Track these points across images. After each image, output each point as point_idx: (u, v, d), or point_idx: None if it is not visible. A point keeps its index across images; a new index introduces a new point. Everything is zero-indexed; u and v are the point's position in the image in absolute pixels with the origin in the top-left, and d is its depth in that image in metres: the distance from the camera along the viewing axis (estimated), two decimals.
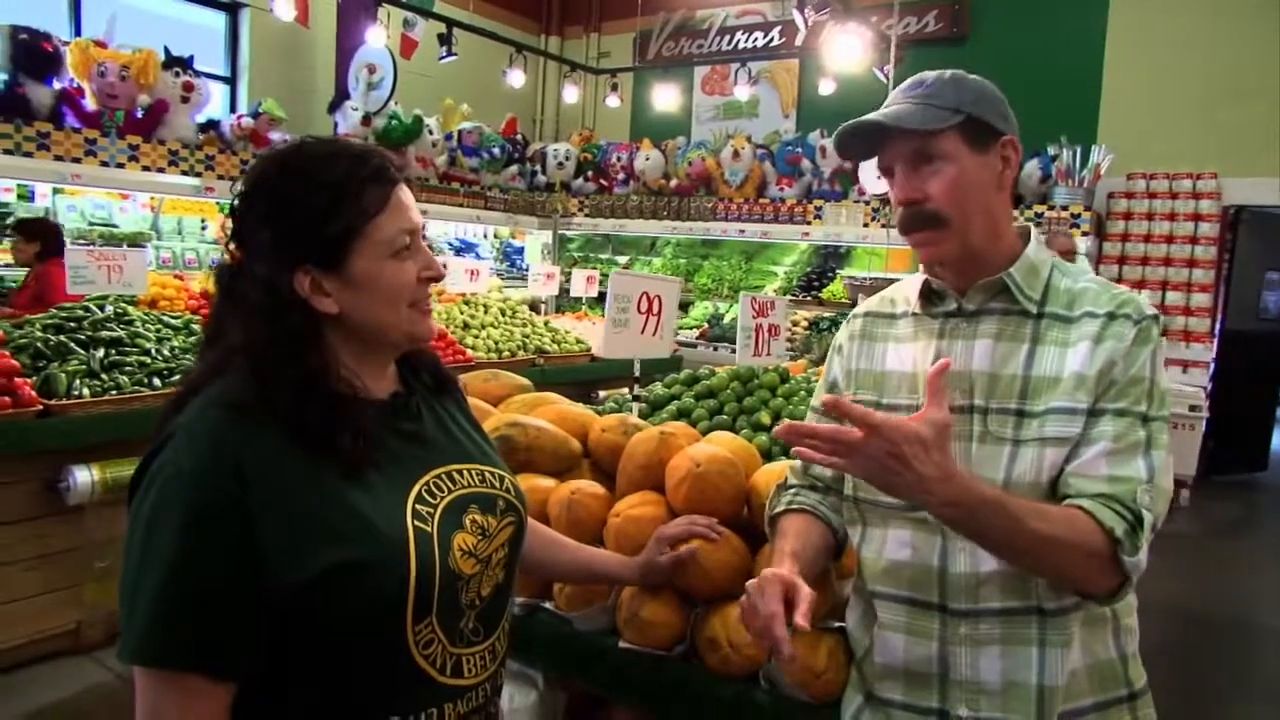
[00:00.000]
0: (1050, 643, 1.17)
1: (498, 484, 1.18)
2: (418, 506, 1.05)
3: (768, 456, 2.07)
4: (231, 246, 1.07)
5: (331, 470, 1.00)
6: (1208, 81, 6.45)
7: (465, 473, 1.15)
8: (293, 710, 0.99)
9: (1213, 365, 6.12)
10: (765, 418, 2.29)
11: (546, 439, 1.90)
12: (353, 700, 1.00)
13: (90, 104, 5.21)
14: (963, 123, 1.21)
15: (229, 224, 1.07)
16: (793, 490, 1.45)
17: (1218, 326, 6.22)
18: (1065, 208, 5.82)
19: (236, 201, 1.06)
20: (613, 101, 8.33)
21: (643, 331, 2.22)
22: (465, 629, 1.09)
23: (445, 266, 5.53)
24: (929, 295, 1.32)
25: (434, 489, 1.09)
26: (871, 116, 1.24)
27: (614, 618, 1.62)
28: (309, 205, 1.02)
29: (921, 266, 1.34)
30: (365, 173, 1.05)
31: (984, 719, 1.19)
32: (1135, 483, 1.11)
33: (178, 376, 3.46)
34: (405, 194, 1.09)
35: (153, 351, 3.51)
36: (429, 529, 1.04)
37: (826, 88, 7.01)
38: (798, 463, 1.47)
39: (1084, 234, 5.75)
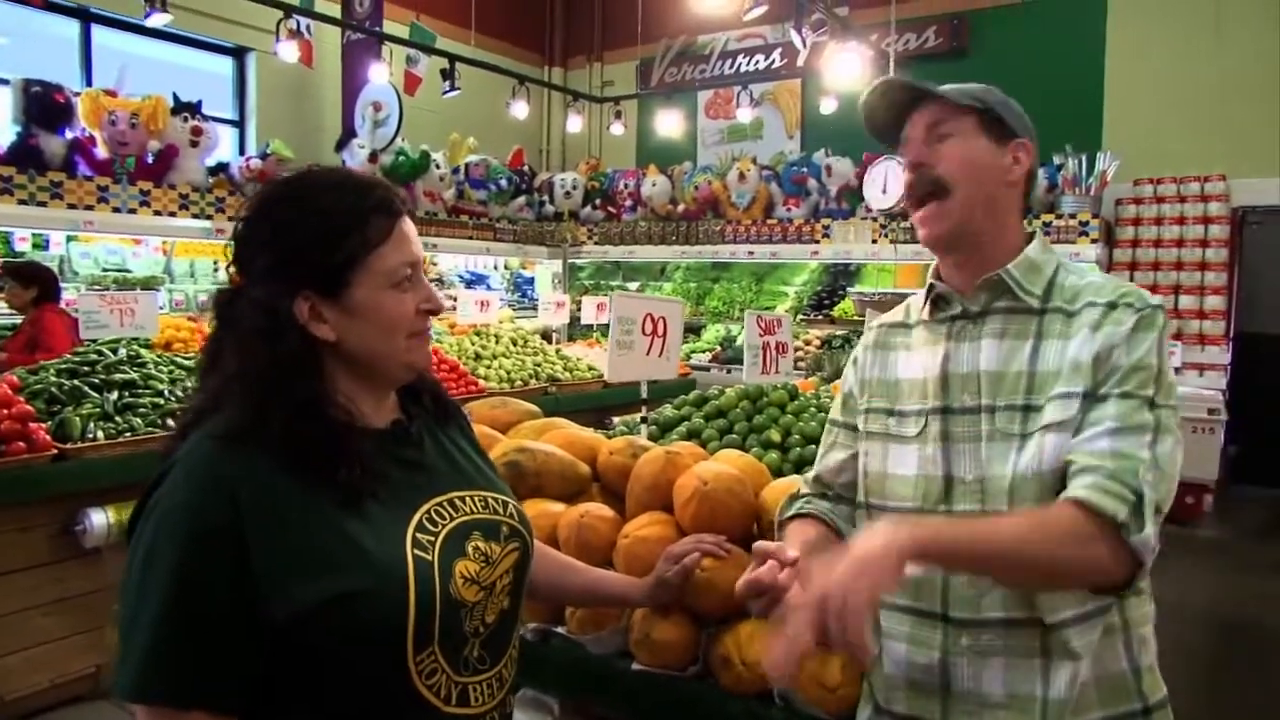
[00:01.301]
0: (1055, 654, 1.14)
1: (501, 510, 1.18)
2: (418, 535, 1.04)
3: (778, 474, 2.06)
4: (231, 271, 1.07)
5: (329, 500, 0.99)
6: (1209, 84, 6.43)
7: (468, 499, 1.14)
8: None
9: (1229, 369, 6.05)
10: (775, 435, 2.28)
11: (555, 463, 1.90)
12: None
13: (102, 152, 5.30)
14: (982, 111, 1.26)
15: (230, 249, 1.08)
16: (804, 498, 1.45)
17: (1231, 329, 6.16)
18: (1074, 216, 5.80)
19: (239, 226, 1.07)
20: (617, 129, 8.39)
21: (648, 353, 2.21)
22: (470, 657, 1.07)
23: (455, 300, 5.59)
24: (935, 301, 1.33)
25: (435, 517, 1.08)
26: (898, 78, 1.30)
27: (627, 640, 1.61)
28: (312, 232, 1.03)
29: (928, 274, 1.35)
30: (370, 203, 1.06)
31: None
32: (1138, 460, 1.09)
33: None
34: (408, 226, 1.10)
35: (166, 393, 3.55)
36: (429, 557, 1.03)
37: (829, 106, 7.04)
38: (812, 474, 1.47)
39: (1093, 241, 5.72)
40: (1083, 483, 1.08)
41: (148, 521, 0.96)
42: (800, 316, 7.19)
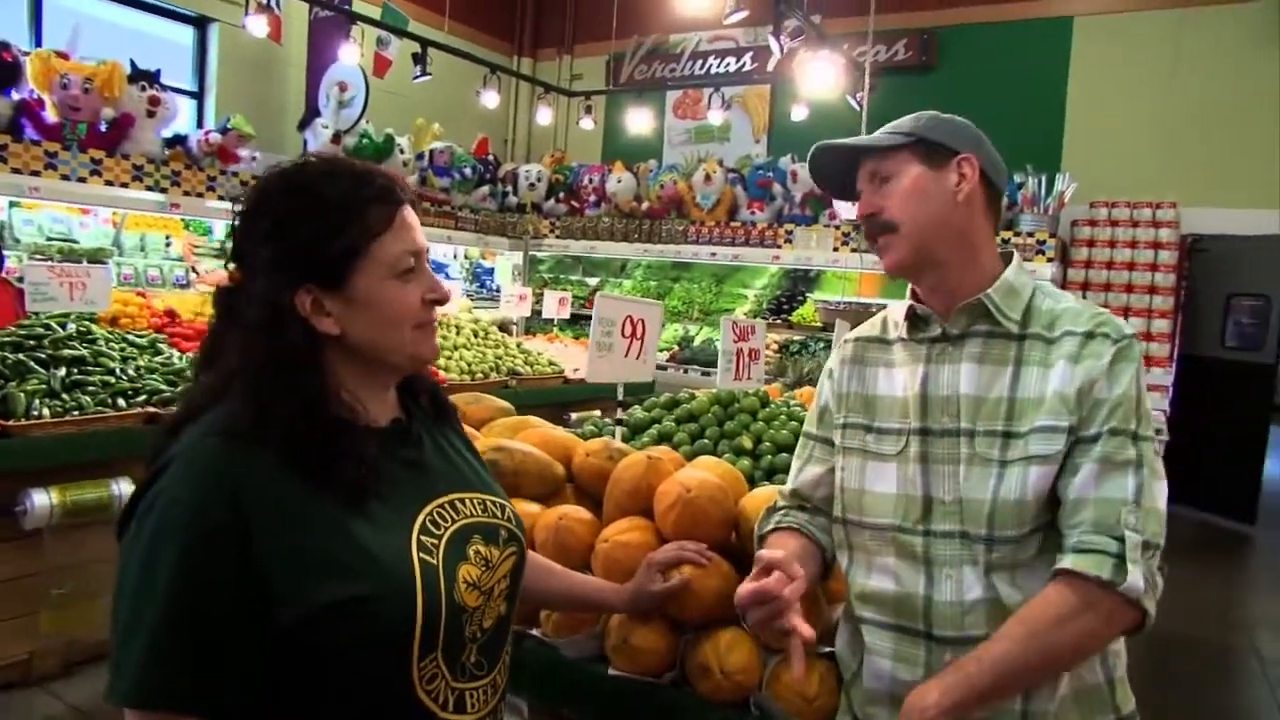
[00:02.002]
0: None
1: (499, 513, 1.17)
2: (422, 538, 1.03)
3: (750, 482, 2.06)
4: (231, 266, 1.06)
5: (333, 500, 0.97)
6: (1166, 114, 6.63)
7: (468, 502, 1.13)
8: None
9: (1171, 390, 6.24)
10: (747, 442, 2.28)
11: (532, 464, 1.87)
12: None
13: (51, 116, 5.09)
14: (914, 143, 1.29)
15: (229, 244, 1.06)
16: (782, 510, 1.46)
17: (1175, 351, 6.36)
18: (1031, 234, 5.93)
19: (237, 220, 1.05)
20: (587, 124, 8.34)
21: (626, 355, 2.20)
22: (468, 662, 1.07)
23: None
24: (914, 321, 1.34)
25: (438, 519, 1.07)
26: (836, 141, 1.35)
27: (603, 644, 1.60)
28: (311, 223, 1.01)
29: (907, 294, 1.37)
30: (370, 192, 1.04)
31: None
32: (1119, 504, 1.12)
33: (143, 397, 3.38)
34: (410, 215, 1.08)
35: (117, 371, 3.42)
36: (434, 561, 1.02)
37: (799, 114, 7.08)
38: (787, 486, 1.47)
39: (1049, 260, 5.86)
40: (1069, 544, 1.14)
41: (146, 520, 0.92)
42: (762, 320, 7.23)
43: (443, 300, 1.10)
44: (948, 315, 1.28)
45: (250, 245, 1.04)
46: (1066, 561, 1.12)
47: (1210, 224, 6.46)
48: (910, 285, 1.36)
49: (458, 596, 1.03)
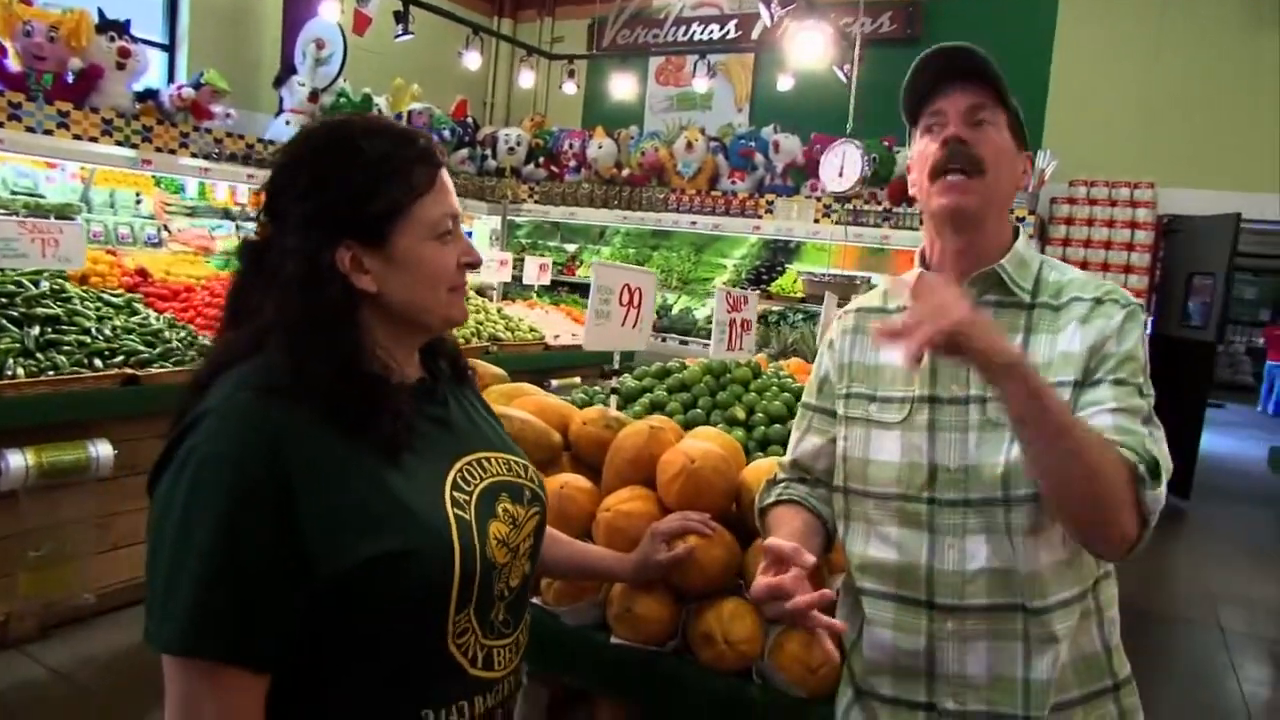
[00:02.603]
0: (1036, 639, 1.19)
1: (523, 474, 1.18)
2: (454, 494, 1.04)
3: (744, 453, 2.07)
4: (262, 219, 1.05)
5: (369, 453, 0.97)
6: (1146, 95, 6.68)
7: (494, 460, 1.14)
8: (328, 703, 0.97)
9: None
10: (739, 413, 2.28)
11: (530, 431, 1.86)
12: (386, 692, 0.98)
13: (14, 64, 4.91)
14: (1014, 113, 1.28)
15: (261, 198, 1.05)
16: (782, 483, 1.46)
17: (1148, 331, 6.46)
18: (1012, 211, 5.96)
19: (274, 173, 1.04)
20: (569, 88, 8.23)
21: (623, 323, 2.19)
22: (497, 620, 1.08)
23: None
24: None
25: (468, 475, 1.08)
26: (978, 50, 1.25)
27: (604, 613, 1.60)
28: (354, 180, 1.01)
29: (921, 248, 1.36)
30: (413, 152, 1.04)
31: (971, 712, 1.21)
32: (1141, 435, 1.12)
33: (120, 358, 3.31)
34: (448, 179, 1.09)
35: (93, 330, 3.35)
36: (468, 516, 1.03)
37: (785, 84, 7.04)
38: (788, 459, 1.47)
39: (1029, 238, 5.89)
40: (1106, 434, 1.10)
41: (181, 474, 0.91)
42: (755, 291, 7.21)
43: (476, 264, 1.11)
44: (959, 283, 1.28)
45: (286, 199, 1.02)
46: (1112, 437, 1.10)
47: (1186, 205, 6.55)
48: (921, 250, 1.36)
49: (490, 553, 1.04)
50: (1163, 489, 1.10)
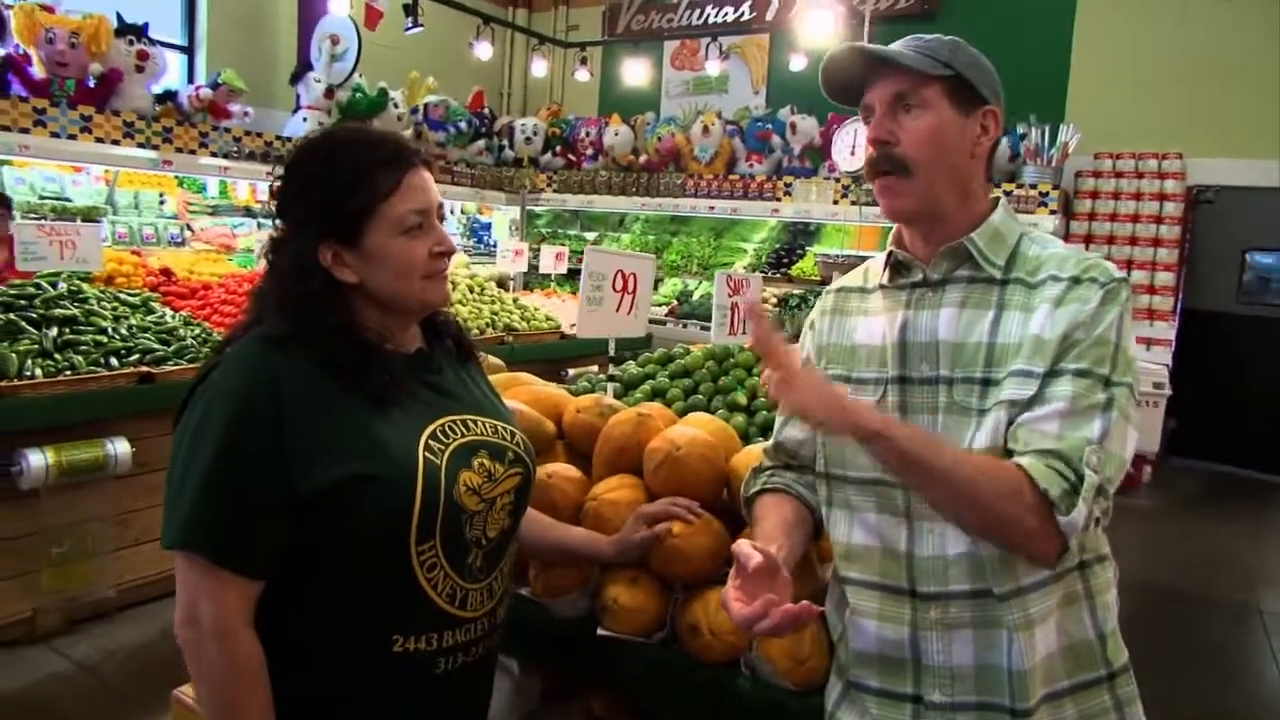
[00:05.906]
0: (1015, 625, 1.14)
1: (509, 438, 1.31)
2: (430, 442, 1.19)
3: (745, 438, 2.05)
4: (276, 223, 1.24)
5: (358, 402, 1.14)
6: (1171, 63, 6.49)
7: (480, 423, 1.28)
8: (313, 619, 1.14)
9: (1174, 344, 6.21)
10: (741, 398, 2.26)
11: (522, 421, 1.84)
12: (361, 614, 1.15)
13: (38, 72, 5.00)
14: (951, 78, 1.20)
15: (271, 203, 1.25)
16: (768, 471, 1.44)
17: (1179, 305, 6.31)
18: (1034, 186, 5.85)
19: (277, 183, 1.23)
20: (582, 75, 8.20)
21: (618, 310, 2.17)
22: (474, 566, 1.23)
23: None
24: (896, 267, 1.30)
25: (449, 430, 1.22)
26: (862, 44, 1.23)
27: (592, 604, 1.59)
28: (330, 186, 1.17)
29: (896, 229, 1.32)
30: (378, 157, 1.18)
31: (959, 703, 1.18)
32: (1084, 442, 1.08)
33: (135, 357, 3.36)
34: (418, 177, 1.22)
35: (109, 330, 3.40)
36: (438, 461, 1.18)
37: (798, 64, 6.95)
38: (771, 444, 1.45)
39: (1052, 212, 5.79)
40: (1031, 447, 1.09)
41: (198, 404, 1.12)
42: (758, 274, 7.17)
43: (449, 252, 1.25)
44: (929, 259, 1.25)
45: (286, 205, 1.21)
46: (1026, 462, 1.08)
47: (1216, 175, 6.36)
48: (895, 230, 1.32)
49: (457, 496, 1.18)
50: (1079, 513, 1.06)
